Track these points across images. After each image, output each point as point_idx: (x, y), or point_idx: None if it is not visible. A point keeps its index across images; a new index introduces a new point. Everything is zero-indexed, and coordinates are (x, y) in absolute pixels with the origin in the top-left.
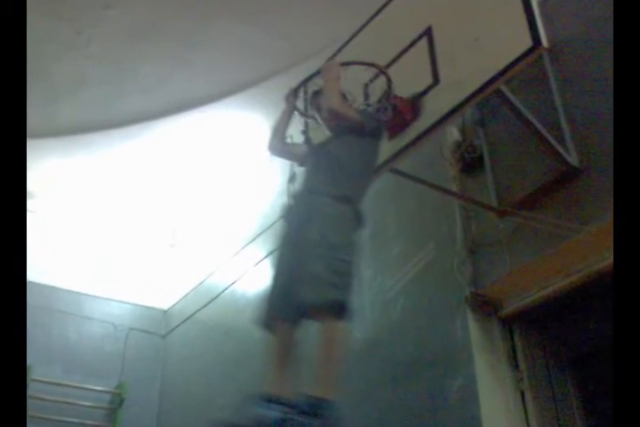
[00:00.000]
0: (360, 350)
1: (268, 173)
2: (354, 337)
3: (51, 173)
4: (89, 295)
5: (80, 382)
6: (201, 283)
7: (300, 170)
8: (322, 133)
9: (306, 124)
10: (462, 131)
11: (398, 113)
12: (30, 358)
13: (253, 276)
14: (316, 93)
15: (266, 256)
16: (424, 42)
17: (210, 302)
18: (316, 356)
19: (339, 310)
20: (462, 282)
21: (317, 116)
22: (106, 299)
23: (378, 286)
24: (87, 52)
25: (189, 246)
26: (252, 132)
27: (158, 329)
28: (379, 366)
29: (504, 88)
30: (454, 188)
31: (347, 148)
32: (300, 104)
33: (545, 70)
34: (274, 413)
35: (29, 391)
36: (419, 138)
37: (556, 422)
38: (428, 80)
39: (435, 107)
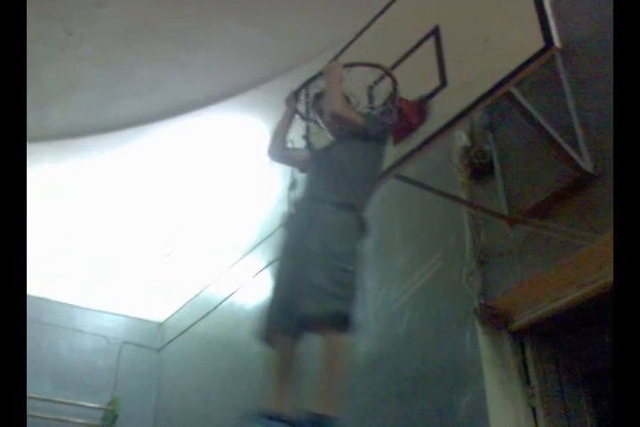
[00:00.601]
0: (364, 364)
1: (268, 180)
2: (357, 351)
3: (41, 180)
4: (80, 307)
5: (71, 399)
6: (197, 294)
7: (301, 176)
8: (324, 138)
9: (307, 129)
10: (471, 135)
11: (404, 116)
12: None
13: (252, 287)
14: (318, 96)
15: (265, 266)
16: (431, 42)
17: (207, 314)
18: (317, 371)
19: (342, 322)
20: (471, 293)
21: (319, 119)
22: (98, 311)
23: (383, 298)
24: (79, 53)
25: (185, 256)
26: (251, 136)
27: (153, 343)
28: (384, 382)
29: (515, 91)
30: (463, 195)
31: (350, 153)
32: (301, 107)
33: (557, 72)
34: None
35: None
36: (425, 143)
37: None
38: (436, 82)
39: (442, 110)
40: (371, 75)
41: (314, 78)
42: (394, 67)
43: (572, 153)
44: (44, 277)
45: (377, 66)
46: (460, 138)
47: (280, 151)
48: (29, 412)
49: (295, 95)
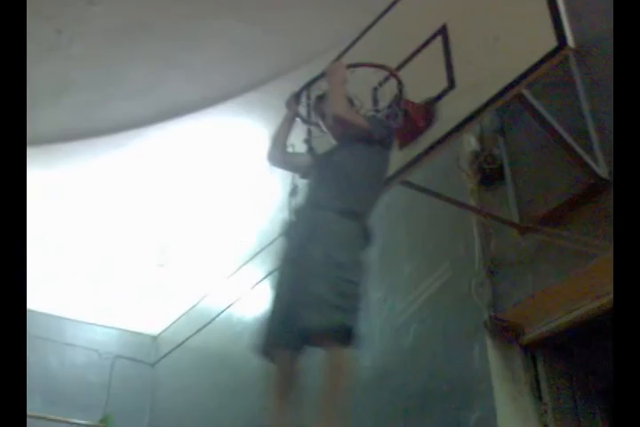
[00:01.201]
0: (368, 379)
1: (268, 186)
2: (361, 366)
3: (29, 186)
4: (71, 320)
5: (61, 416)
6: (193, 306)
7: (302, 182)
8: (326, 142)
9: (309, 132)
10: (480, 139)
11: (410, 120)
12: None
13: (251, 298)
14: (320, 98)
15: (265, 277)
16: (438, 42)
17: (203, 327)
18: (320, 386)
19: (345, 335)
20: (481, 305)
21: (321, 123)
22: (89, 324)
23: (388, 310)
24: (69, 53)
25: (181, 266)
26: (250, 140)
27: (147, 357)
28: (389, 398)
29: (526, 92)
30: (472, 202)
31: (353, 158)
32: (302, 110)
33: (571, 73)
34: None
35: None
36: (432, 147)
37: None
38: (443, 84)
39: (450, 113)
40: (375, 76)
41: (316, 79)
42: (399, 67)
43: (587, 158)
44: (33, 287)
45: (382, 66)
46: (469, 142)
47: (280, 156)
48: None
49: (296, 97)
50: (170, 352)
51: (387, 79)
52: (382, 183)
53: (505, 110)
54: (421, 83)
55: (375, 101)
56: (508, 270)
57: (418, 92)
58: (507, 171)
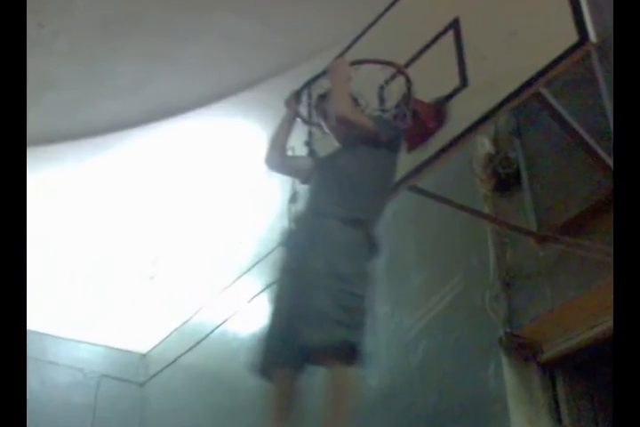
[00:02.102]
0: (374, 400)
1: (266, 192)
2: (367, 385)
3: None
4: (53, 336)
5: None
6: (186, 322)
7: (303, 188)
8: (329, 145)
9: (310, 134)
10: (495, 141)
11: (419, 120)
12: None
13: (248, 313)
14: (322, 97)
15: (262, 290)
16: (450, 36)
17: (196, 344)
18: (322, 407)
19: (348, 353)
20: (495, 320)
21: (323, 123)
22: (73, 341)
23: (395, 325)
24: (52, 49)
25: (172, 278)
26: (247, 142)
27: (135, 376)
28: (396, 420)
29: (544, 91)
30: (486, 209)
31: (358, 161)
32: (303, 110)
33: (593, 70)
34: None
35: None
36: (444, 150)
37: None
38: (455, 82)
39: (462, 113)
40: (382, 73)
41: (317, 77)
42: (408, 64)
43: (610, 161)
44: None
45: (389, 63)
46: (483, 144)
47: (279, 160)
48: None
49: (296, 96)
50: (160, 371)
51: (394, 77)
52: (389, 189)
53: (521, 110)
54: (431, 81)
55: (382, 101)
56: (525, 283)
57: (428, 91)
58: (523, 175)
